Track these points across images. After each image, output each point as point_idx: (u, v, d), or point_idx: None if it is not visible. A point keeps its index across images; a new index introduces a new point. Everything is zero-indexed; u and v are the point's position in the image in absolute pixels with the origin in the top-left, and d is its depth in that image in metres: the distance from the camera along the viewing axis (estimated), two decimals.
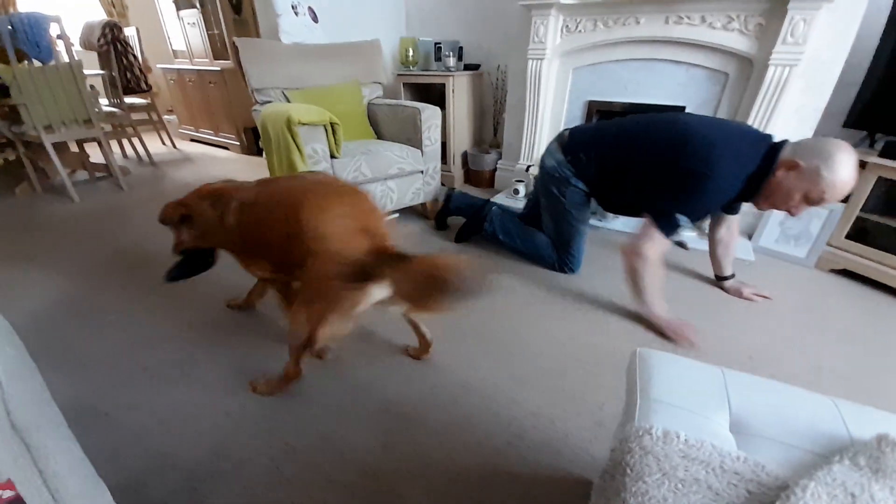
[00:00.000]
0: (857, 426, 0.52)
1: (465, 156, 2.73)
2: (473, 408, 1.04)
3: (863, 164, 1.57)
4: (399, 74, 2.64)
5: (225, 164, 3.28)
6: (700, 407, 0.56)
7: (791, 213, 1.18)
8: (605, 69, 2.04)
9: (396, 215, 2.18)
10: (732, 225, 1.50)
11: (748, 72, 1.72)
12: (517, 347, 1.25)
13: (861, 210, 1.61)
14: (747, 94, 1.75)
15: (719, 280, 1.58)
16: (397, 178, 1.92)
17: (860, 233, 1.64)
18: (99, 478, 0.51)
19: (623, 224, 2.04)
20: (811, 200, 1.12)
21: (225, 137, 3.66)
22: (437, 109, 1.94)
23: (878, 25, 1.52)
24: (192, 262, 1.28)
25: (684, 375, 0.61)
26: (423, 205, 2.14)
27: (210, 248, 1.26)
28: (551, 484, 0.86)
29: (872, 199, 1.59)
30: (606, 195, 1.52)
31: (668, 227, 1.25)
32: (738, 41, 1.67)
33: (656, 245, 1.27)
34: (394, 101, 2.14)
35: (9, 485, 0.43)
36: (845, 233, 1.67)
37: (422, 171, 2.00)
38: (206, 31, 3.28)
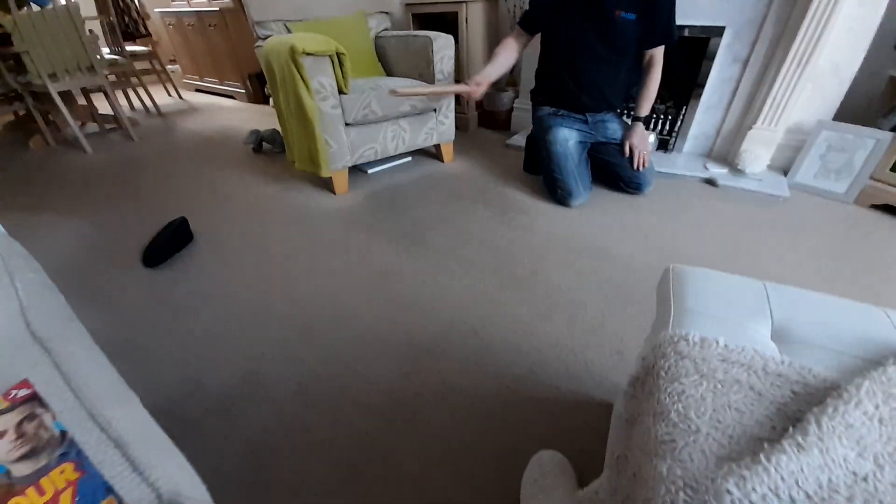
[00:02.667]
0: None
1: None
2: (493, 340, 1.04)
3: None
4: (408, 4, 2.44)
5: (232, 112, 3.19)
6: (739, 316, 0.53)
7: None
8: None
9: (409, 158, 2.11)
10: (652, 61, 1.56)
11: None
12: (537, 281, 1.23)
13: None
14: (797, 10, 1.55)
15: (633, 119, 1.65)
16: (410, 116, 1.83)
17: None
18: (128, 386, 0.52)
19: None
20: None
21: (230, 86, 3.54)
22: (450, 38, 1.80)
23: None
24: (170, 238, 1.35)
25: (722, 288, 0.58)
26: (436, 146, 2.06)
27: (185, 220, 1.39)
28: (573, 407, 0.87)
29: None
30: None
31: (522, 19, 1.64)
32: None
33: (512, 32, 1.67)
34: (403, 32, 1.99)
35: (24, 384, 0.44)
36: (892, 164, 1.54)
37: (434, 110, 1.90)
38: None
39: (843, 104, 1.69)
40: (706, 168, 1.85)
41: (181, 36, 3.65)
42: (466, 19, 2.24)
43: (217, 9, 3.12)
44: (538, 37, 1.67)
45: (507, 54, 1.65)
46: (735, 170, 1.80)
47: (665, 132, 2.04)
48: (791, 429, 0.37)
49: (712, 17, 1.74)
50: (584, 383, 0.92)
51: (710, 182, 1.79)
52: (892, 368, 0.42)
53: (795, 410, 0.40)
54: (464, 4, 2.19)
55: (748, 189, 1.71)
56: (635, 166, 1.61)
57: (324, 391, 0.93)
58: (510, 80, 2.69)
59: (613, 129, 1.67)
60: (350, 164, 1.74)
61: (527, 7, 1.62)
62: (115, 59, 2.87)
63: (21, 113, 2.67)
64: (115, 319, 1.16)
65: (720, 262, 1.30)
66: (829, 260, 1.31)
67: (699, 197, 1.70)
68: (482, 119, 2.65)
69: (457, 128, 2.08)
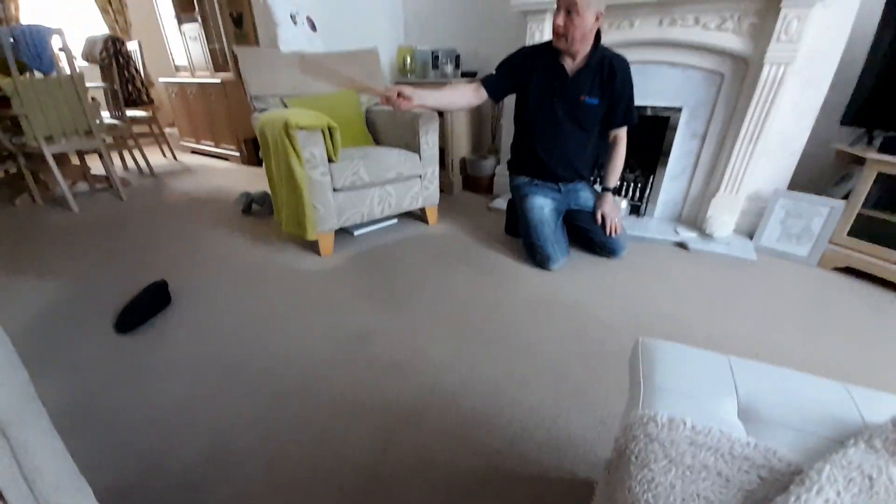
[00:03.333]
0: (871, 411, 0.50)
1: (463, 162, 2.74)
2: (475, 408, 1.02)
3: (862, 161, 1.58)
4: (397, 83, 2.66)
5: (225, 174, 3.29)
6: (706, 394, 0.54)
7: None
8: None
9: (395, 220, 2.18)
10: (617, 139, 1.71)
11: (743, 71, 1.73)
12: (519, 345, 1.23)
13: (862, 206, 1.60)
14: (744, 94, 1.75)
15: (602, 190, 1.76)
16: (396, 182, 1.92)
17: (862, 229, 1.62)
18: (81, 475, 0.49)
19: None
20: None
21: (225, 149, 3.68)
22: (435, 114, 1.95)
23: (872, 22, 1.53)
24: (148, 302, 1.37)
25: (689, 363, 0.59)
26: (422, 210, 2.14)
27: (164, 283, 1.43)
28: (556, 485, 0.84)
29: (873, 195, 1.58)
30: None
31: (484, 77, 1.71)
32: (732, 41, 1.69)
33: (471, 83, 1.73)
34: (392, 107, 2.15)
35: None
36: (847, 230, 1.65)
37: (420, 176, 2.00)
38: (208, 44, 3.33)
39: (798, 173, 1.85)
40: (677, 232, 1.95)
41: (182, 102, 3.86)
42: None
43: (219, 81, 3.34)
44: (510, 107, 1.82)
45: (455, 95, 1.69)
46: (704, 234, 1.90)
47: (636, 198, 2.17)
48: None
49: (670, 99, 1.94)
50: (567, 457, 0.89)
51: (682, 245, 1.88)
52: (853, 450, 0.43)
53: (762, 498, 0.40)
54: (448, 84, 2.40)
55: (717, 252, 1.80)
56: (608, 233, 1.69)
57: (294, 471, 0.87)
58: (491, 147, 2.88)
59: (585, 196, 1.78)
60: (336, 227, 1.78)
61: (493, 72, 1.71)
62: (115, 124, 2.99)
63: (11, 171, 2.70)
64: (79, 388, 1.10)
65: (695, 325, 1.33)
66: (797, 323, 1.35)
67: (672, 259, 1.77)
68: (466, 183, 2.79)
69: (441, 191, 2.18)
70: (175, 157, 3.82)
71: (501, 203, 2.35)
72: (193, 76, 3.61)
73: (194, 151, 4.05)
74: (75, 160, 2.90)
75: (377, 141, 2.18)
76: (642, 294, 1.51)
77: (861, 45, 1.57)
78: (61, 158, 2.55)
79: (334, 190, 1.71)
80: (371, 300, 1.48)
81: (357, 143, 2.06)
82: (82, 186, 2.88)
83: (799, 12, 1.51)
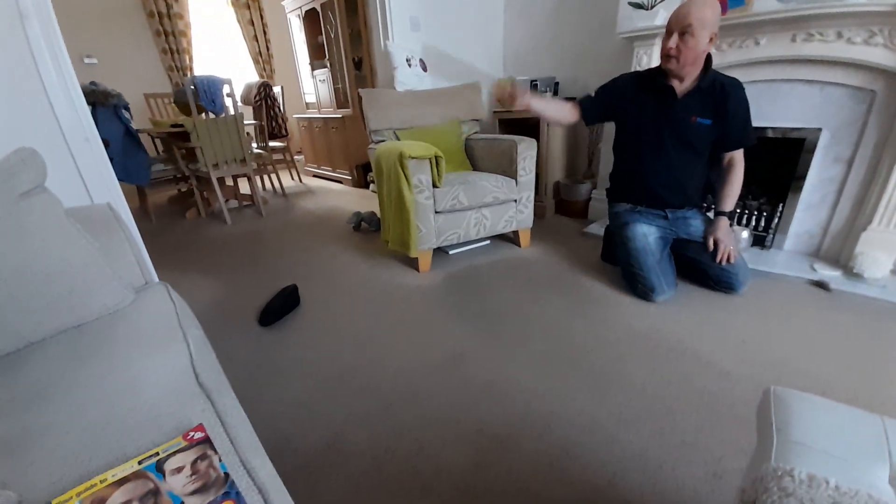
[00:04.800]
0: None
1: (556, 186, 2.73)
2: (569, 440, 1.01)
3: None
4: (495, 112, 2.79)
5: (339, 195, 3.74)
6: (853, 455, 0.49)
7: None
8: None
9: (488, 242, 2.26)
10: (732, 161, 1.60)
11: None
12: (618, 382, 1.19)
13: None
14: None
15: (715, 214, 1.63)
16: (492, 206, 2.00)
17: None
18: (258, 439, 0.63)
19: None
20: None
21: (340, 173, 4.19)
22: (533, 141, 2.01)
23: None
24: (283, 302, 1.61)
25: (832, 419, 0.54)
26: (514, 232, 2.18)
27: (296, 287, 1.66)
28: None
29: None
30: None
31: (581, 99, 1.73)
32: (883, 56, 1.46)
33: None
34: (491, 136, 2.27)
35: (199, 428, 0.56)
36: None
37: (515, 200, 2.06)
38: (333, 84, 3.88)
39: None
40: (814, 269, 1.69)
41: (308, 134, 4.52)
42: (547, 124, 2.48)
43: (340, 115, 3.85)
44: (609, 132, 1.79)
45: (557, 106, 1.73)
46: (850, 273, 1.62)
47: (761, 229, 1.93)
48: None
49: (805, 120, 1.72)
50: None
51: (821, 285, 1.62)
52: None
53: None
54: None
55: (868, 296, 1.51)
56: (718, 260, 1.54)
57: (396, 472, 0.96)
58: (587, 172, 2.82)
59: (696, 225, 1.65)
60: (435, 246, 1.92)
61: (592, 94, 1.72)
62: (260, 153, 3.63)
63: (182, 190, 3.43)
64: (229, 371, 1.35)
65: (833, 383, 1.14)
66: None
67: (806, 301, 1.54)
68: (559, 207, 2.76)
69: (535, 214, 2.21)
70: (300, 180, 4.45)
71: (596, 228, 2.28)
72: (320, 112, 4.21)
73: (315, 175, 4.68)
74: (230, 182, 3.57)
75: (475, 167, 2.31)
76: (767, 340, 1.34)
77: None
78: (220, 180, 3.17)
79: (436, 212, 1.86)
80: (464, 319, 1.55)
81: (457, 168, 2.20)
82: (233, 203, 3.53)
83: None
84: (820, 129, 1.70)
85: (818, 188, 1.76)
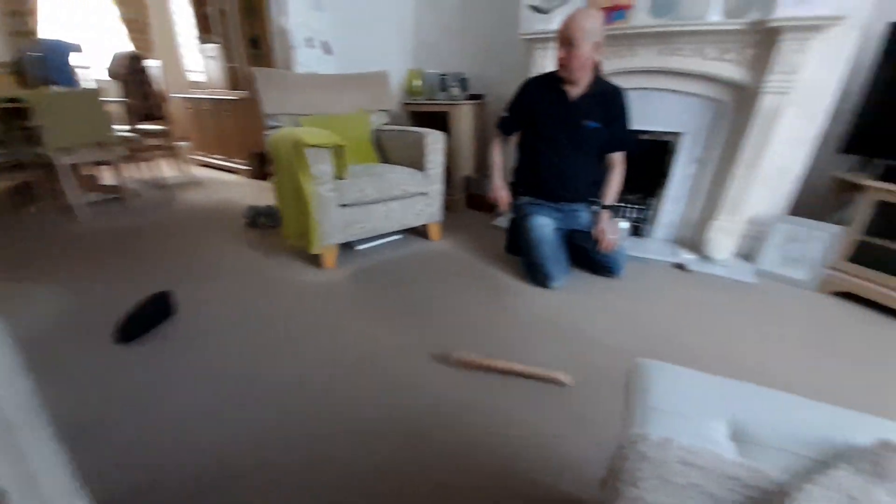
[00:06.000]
0: (859, 433, 0.51)
1: (467, 180, 2.79)
2: (476, 426, 1.02)
3: (861, 188, 1.60)
4: (405, 103, 2.75)
5: (234, 187, 3.36)
6: (699, 415, 0.55)
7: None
8: None
9: (399, 236, 2.21)
10: (614, 162, 1.78)
11: (743, 100, 1.78)
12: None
13: (862, 233, 1.62)
14: (743, 122, 1.79)
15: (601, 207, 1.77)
16: (401, 199, 1.96)
17: (862, 256, 1.63)
18: (78, 486, 0.51)
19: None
20: None
21: (235, 162, 3.77)
22: (440, 134, 2.01)
23: (871, 52, 1.57)
24: (150, 313, 1.38)
25: (684, 385, 0.61)
26: (425, 226, 2.17)
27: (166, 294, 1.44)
28: None
29: (873, 223, 1.60)
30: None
31: (500, 123, 1.89)
32: (732, 70, 1.74)
33: (495, 137, 1.92)
34: (400, 127, 2.22)
35: None
36: (847, 256, 1.67)
37: (424, 193, 2.04)
38: (227, 63, 3.46)
39: (800, 199, 1.87)
40: (676, 254, 1.97)
41: (196, 118, 3.98)
42: (457, 118, 2.51)
43: (234, 98, 3.45)
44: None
45: (502, 156, 1.92)
46: (703, 256, 1.92)
47: (638, 220, 2.20)
48: None
49: (670, 125, 1.99)
50: (564, 477, 0.89)
51: (681, 266, 1.89)
52: (838, 472, 0.44)
53: None
54: (454, 106, 2.48)
55: (716, 274, 1.81)
56: (602, 249, 1.71)
57: (294, 491, 0.88)
58: None
59: (585, 217, 1.81)
60: (341, 241, 1.82)
61: (506, 114, 1.85)
62: (129, 136, 3.08)
63: (28, 180, 2.78)
64: (78, 399, 1.11)
65: (694, 347, 1.33)
66: (795, 346, 1.36)
67: (672, 281, 1.79)
68: (470, 201, 2.83)
69: (446, 208, 2.22)
70: (187, 171, 3.90)
71: (504, 221, 2.38)
72: (210, 93, 3.73)
73: (206, 165, 4.14)
74: (89, 171, 2.98)
75: (386, 159, 2.24)
76: (641, 315, 1.52)
77: (860, 75, 1.61)
78: (74, 168, 2.62)
79: (341, 206, 1.75)
80: (372, 316, 1.49)
81: (365, 160, 2.11)
82: (93, 196, 2.95)
83: (796, 44, 1.56)
84: (681, 134, 1.97)
85: (680, 184, 2.05)
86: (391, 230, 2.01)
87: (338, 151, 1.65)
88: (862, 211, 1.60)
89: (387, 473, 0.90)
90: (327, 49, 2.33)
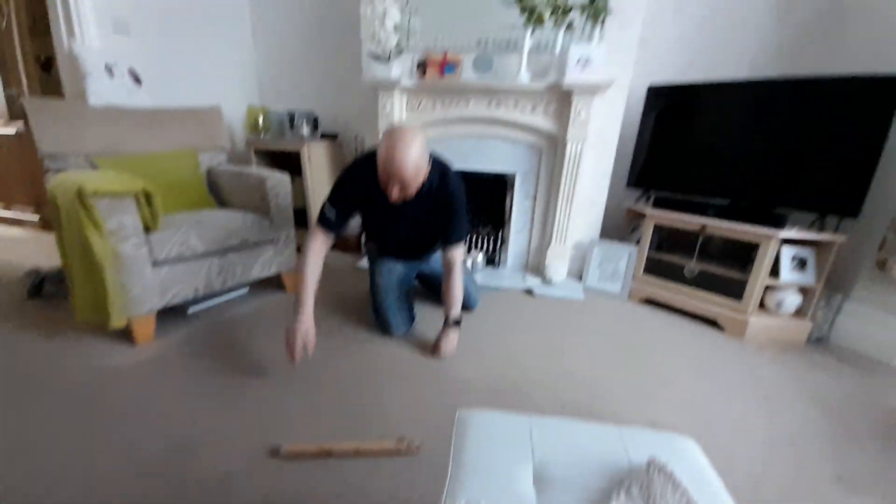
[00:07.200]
0: (636, 451, 0.58)
1: None
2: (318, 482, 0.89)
3: (643, 215, 2.02)
4: (252, 143, 2.52)
5: (12, 244, 2.57)
6: (508, 464, 0.56)
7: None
8: (448, 142, 2.26)
9: (245, 290, 1.95)
10: (451, 263, 1.51)
11: (555, 146, 2.11)
12: (376, 418, 1.15)
13: (648, 250, 2.03)
14: (557, 163, 2.12)
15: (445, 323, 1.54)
16: (241, 249, 1.73)
17: (652, 268, 2.05)
18: None
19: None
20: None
21: (17, 212, 2.92)
22: (285, 177, 1.86)
23: (638, 108, 2.05)
24: None
25: (495, 434, 0.61)
26: (278, 275, 1.96)
27: None
28: None
29: (654, 241, 2.02)
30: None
31: (321, 218, 1.46)
32: (542, 122, 2.06)
33: (313, 235, 1.45)
34: (237, 168, 2.00)
35: None
36: (642, 269, 2.06)
37: (271, 241, 1.85)
38: (4, 88, 2.72)
39: (608, 225, 2.27)
40: (525, 280, 2.18)
41: None
42: (309, 158, 2.40)
43: (14, 132, 2.70)
44: None
45: (319, 259, 1.45)
46: (545, 280, 2.16)
47: (491, 251, 2.38)
48: None
49: (506, 166, 2.24)
50: None
51: (529, 292, 2.10)
52: (615, 503, 0.48)
53: None
54: (306, 145, 2.37)
55: (556, 296, 2.05)
56: (436, 356, 1.50)
57: None
58: None
59: (436, 259, 1.76)
60: (158, 307, 1.49)
61: (327, 208, 1.45)
62: None
63: None
64: None
65: (536, 368, 1.45)
66: (615, 348, 1.61)
67: (522, 306, 1.96)
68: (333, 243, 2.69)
69: (301, 252, 2.05)
70: None
71: (367, 263, 2.32)
72: None
73: None
74: None
75: (223, 203, 1.98)
76: (495, 344, 1.60)
77: (633, 125, 2.08)
78: None
79: (154, 264, 1.45)
80: (201, 393, 1.24)
81: (194, 206, 1.82)
82: None
83: (584, 102, 1.93)
84: (515, 173, 2.24)
85: (520, 217, 2.31)
86: (231, 286, 1.74)
87: (147, 199, 1.38)
88: (645, 233, 2.02)
89: None
90: (136, 78, 2.00)
